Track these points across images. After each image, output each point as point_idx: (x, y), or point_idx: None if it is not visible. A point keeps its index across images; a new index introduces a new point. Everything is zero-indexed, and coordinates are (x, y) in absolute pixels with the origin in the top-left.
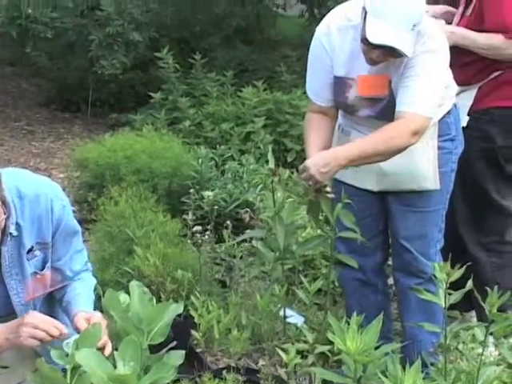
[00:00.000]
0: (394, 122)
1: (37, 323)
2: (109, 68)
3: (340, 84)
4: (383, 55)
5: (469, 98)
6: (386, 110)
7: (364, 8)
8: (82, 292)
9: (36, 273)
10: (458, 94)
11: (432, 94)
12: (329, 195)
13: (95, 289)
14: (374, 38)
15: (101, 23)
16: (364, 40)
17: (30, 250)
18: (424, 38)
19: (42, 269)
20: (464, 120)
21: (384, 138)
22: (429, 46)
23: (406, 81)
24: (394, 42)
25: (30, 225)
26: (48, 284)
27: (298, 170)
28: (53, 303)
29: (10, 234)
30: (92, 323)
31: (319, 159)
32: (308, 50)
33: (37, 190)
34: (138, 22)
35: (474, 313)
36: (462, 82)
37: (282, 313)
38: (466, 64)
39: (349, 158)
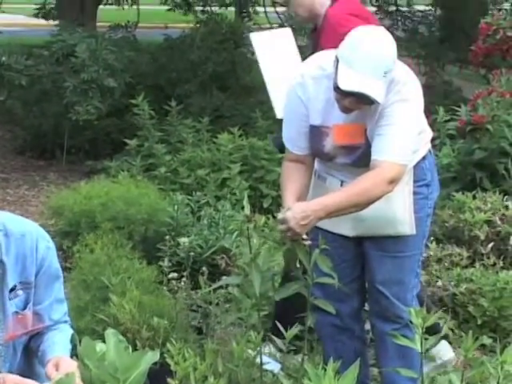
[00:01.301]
0: (369, 171)
1: None
2: (83, 114)
3: (316, 133)
4: (356, 103)
5: None
6: (362, 158)
7: (336, 57)
8: (58, 341)
9: (17, 312)
10: None
11: (406, 141)
12: (305, 242)
13: (72, 340)
14: (345, 86)
15: (75, 70)
16: (336, 88)
17: (12, 289)
18: (398, 86)
19: (24, 309)
20: None
21: (361, 189)
22: (402, 95)
23: (381, 129)
24: (365, 88)
25: (14, 263)
26: (29, 324)
27: (274, 216)
28: (31, 355)
29: None
30: (65, 371)
31: (298, 212)
32: None
33: (23, 228)
34: (113, 69)
35: (452, 355)
36: None
37: (258, 359)
38: None
39: (328, 211)
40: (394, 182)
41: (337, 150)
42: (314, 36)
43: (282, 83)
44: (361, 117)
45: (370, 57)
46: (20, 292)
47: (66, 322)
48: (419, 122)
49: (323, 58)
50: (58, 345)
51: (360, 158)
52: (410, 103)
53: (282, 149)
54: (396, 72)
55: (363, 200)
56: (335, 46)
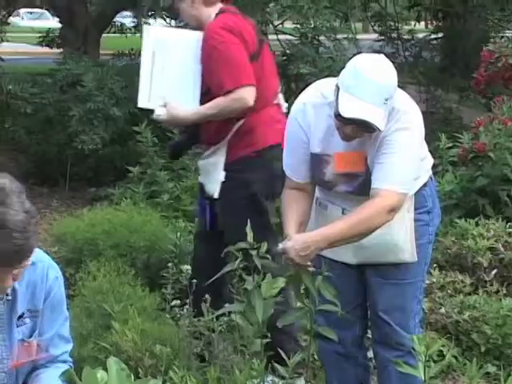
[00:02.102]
0: (370, 200)
1: None
2: (89, 143)
3: (317, 161)
4: (357, 130)
5: (222, 153)
6: (363, 186)
7: (337, 85)
8: (44, 378)
9: (23, 340)
10: (210, 154)
11: (407, 170)
12: (309, 268)
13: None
14: (346, 113)
15: (81, 98)
16: (337, 115)
17: (20, 316)
18: (398, 114)
19: (30, 337)
20: (221, 175)
21: (361, 218)
22: (403, 123)
23: (382, 158)
24: (366, 115)
25: (24, 290)
26: (33, 353)
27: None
28: None
29: (6, 296)
30: None
31: (299, 243)
32: (285, 123)
33: (35, 257)
34: (118, 98)
35: None
36: (208, 141)
37: None
38: (207, 126)
39: (329, 241)
40: (394, 210)
41: (337, 178)
42: None
43: (162, 79)
44: (361, 145)
45: (372, 84)
46: (27, 320)
47: (64, 361)
48: (420, 150)
49: (324, 86)
50: (43, 382)
51: (361, 186)
52: (410, 131)
53: (173, 156)
54: (397, 100)
55: (364, 229)
56: (207, 58)
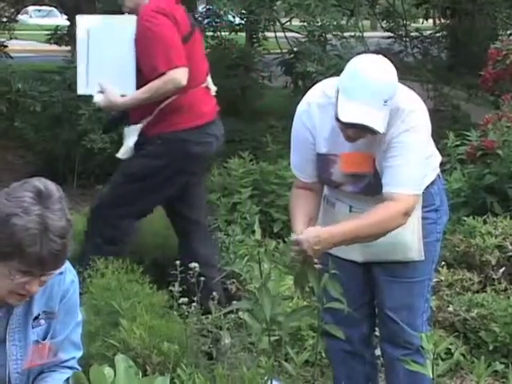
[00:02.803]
0: (384, 203)
1: None
2: (98, 142)
3: (323, 161)
4: (359, 132)
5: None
6: (369, 187)
7: (337, 86)
8: (49, 381)
9: (38, 341)
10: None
11: (417, 171)
12: (316, 266)
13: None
14: (344, 117)
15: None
16: (337, 119)
17: (36, 318)
18: (404, 114)
19: (44, 339)
20: (133, 140)
21: (377, 220)
22: (409, 124)
23: (391, 160)
24: (365, 119)
25: (41, 292)
26: (45, 356)
27: (284, 241)
28: None
29: None
30: None
31: (313, 236)
32: (292, 120)
33: None
34: None
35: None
36: (136, 118)
37: None
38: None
39: (341, 238)
40: (408, 213)
41: (344, 177)
42: None
43: (98, 65)
44: (368, 146)
45: (369, 86)
46: (42, 321)
47: (71, 367)
48: (427, 148)
49: (328, 85)
50: None
51: (367, 186)
52: (417, 132)
53: (106, 131)
54: (401, 99)
55: (378, 231)
56: (141, 40)
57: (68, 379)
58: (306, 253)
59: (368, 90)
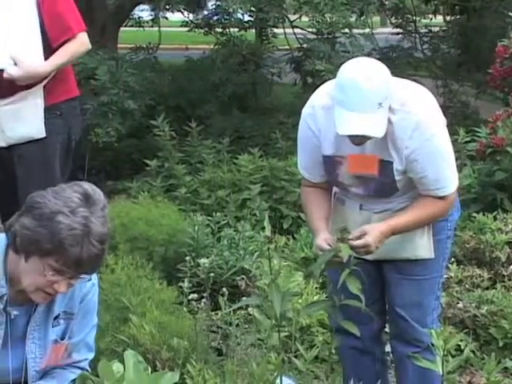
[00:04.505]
0: (432, 199)
1: None
2: (103, 136)
3: (329, 162)
4: (362, 138)
5: (36, 98)
6: (376, 189)
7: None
8: (56, 377)
9: (56, 341)
10: (18, 99)
11: (451, 168)
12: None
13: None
14: (341, 131)
15: (96, 92)
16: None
17: (56, 317)
18: (420, 128)
19: (62, 339)
20: (41, 117)
21: (429, 214)
22: (426, 131)
23: (424, 171)
24: (362, 129)
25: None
26: (60, 356)
27: (294, 237)
28: None
29: None
30: None
31: (377, 236)
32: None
33: None
34: (133, 91)
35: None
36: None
37: (278, 381)
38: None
39: (395, 232)
40: (453, 202)
41: (351, 179)
42: None
43: (4, 37)
44: (375, 148)
45: (359, 95)
46: (61, 321)
47: (82, 368)
48: (451, 147)
49: (332, 87)
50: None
51: (374, 189)
52: (437, 135)
53: None
54: (408, 103)
55: (426, 223)
56: (50, 4)
57: (75, 380)
58: (370, 249)
59: (359, 100)
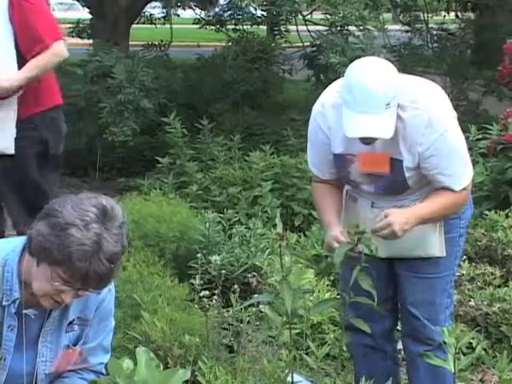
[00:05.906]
0: (449, 192)
1: None
2: (119, 135)
3: (340, 160)
4: (371, 139)
5: (9, 110)
6: (388, 187)
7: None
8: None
9: (68, 346)
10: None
11: (465, 161)
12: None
13: None
14: (349, 133)
15: (111, 90)
16: None
17: (70, 323)
18: (433, 124)
19: (75, 345)
20: (13, 131)
21: (453, 203)
22: (439, 127)
23: (438, 166)
24: (369, 131)
25: (78, 299)
26: (72, 361)
27: (305, 234)
28: None
29: None
30: None
31: (401, 217)
32: None
33: None
34: (148, 89)
35: None
36: None
37: (289, 378)
38: None
39: (421, 221)
40: (469, 192)
41: (362, 177)
42: None
43: None
44: (385, 146)
45: (367, 94)
46: (76, 327)
47: (96, 372)
48: (463, 139)
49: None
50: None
51: (386, 187)
52: (449, 131)
53: None
54: (420, 101)
55: (450, 213)
56: (19, 14)
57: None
58: (395, 233)
59: (366, 101)
